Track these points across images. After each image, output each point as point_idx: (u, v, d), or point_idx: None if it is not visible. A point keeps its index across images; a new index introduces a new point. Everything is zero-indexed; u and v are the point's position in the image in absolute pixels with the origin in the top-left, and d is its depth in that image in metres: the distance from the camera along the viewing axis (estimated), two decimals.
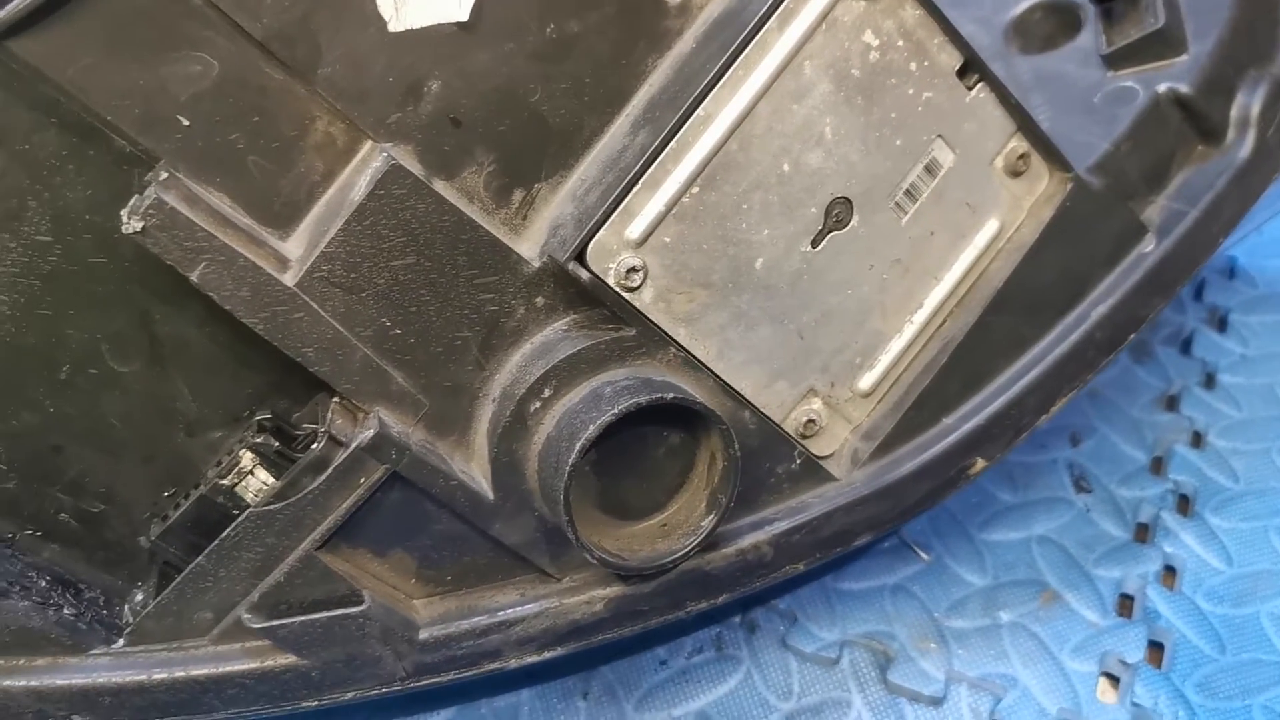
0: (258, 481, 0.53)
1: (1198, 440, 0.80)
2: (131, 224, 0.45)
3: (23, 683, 0.52)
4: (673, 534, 0.55)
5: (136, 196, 0.46)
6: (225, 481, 0.53)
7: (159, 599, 0.53)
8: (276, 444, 0.52)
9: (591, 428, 0.49)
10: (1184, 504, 0.76)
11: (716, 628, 0.70)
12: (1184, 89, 0.63)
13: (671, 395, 0.51)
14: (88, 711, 0.53)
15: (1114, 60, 0.66)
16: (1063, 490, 0.77)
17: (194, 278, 0.47)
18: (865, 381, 0.60)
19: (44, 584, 0.53)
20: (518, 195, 0.53)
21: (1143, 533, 0.75)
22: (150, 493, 0.56)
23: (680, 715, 0.66)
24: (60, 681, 0.52)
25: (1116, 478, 0.77)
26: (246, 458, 0.53)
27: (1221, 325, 0.89)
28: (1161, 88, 0.63)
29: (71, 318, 0.50)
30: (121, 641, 0.53)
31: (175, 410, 0.54)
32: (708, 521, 0.54)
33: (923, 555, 0.72)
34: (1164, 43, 0.64)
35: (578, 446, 0.49)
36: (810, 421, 0.59)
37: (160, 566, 0.56)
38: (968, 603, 0.70)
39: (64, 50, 0.45)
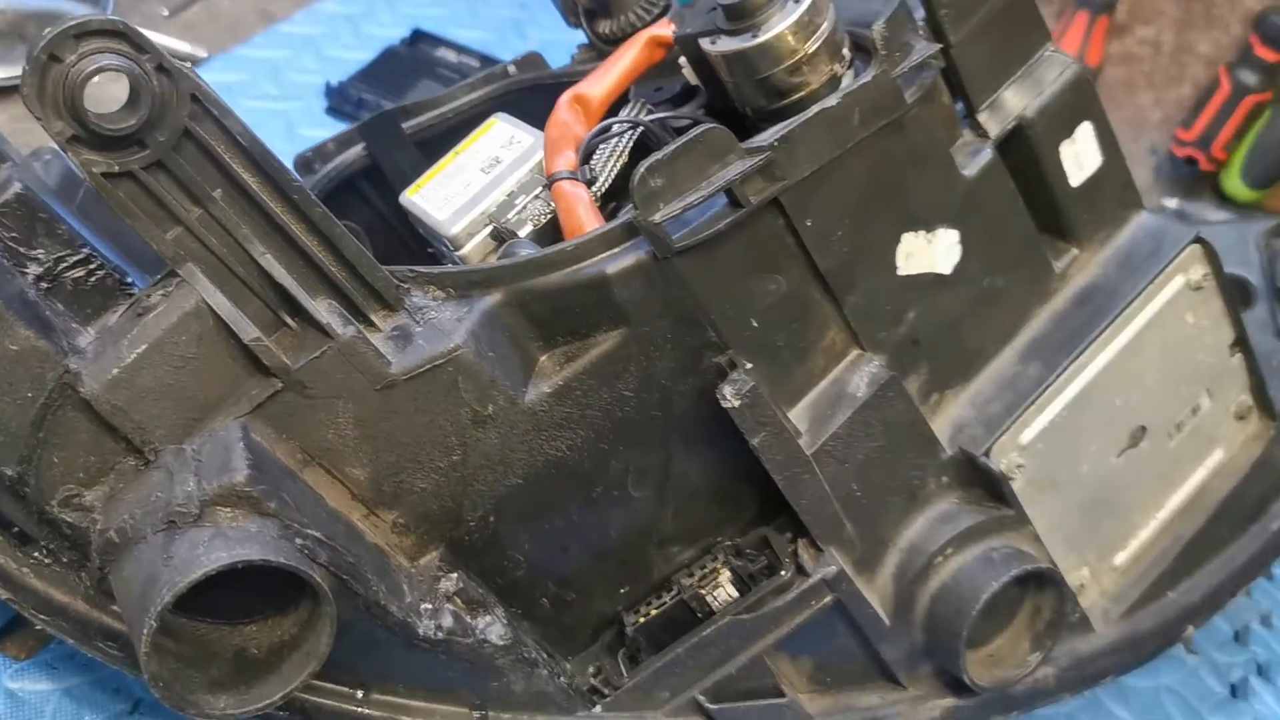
0: (725, 593, 0.68)
1: (1266, 621, 1.02)
2: (732, 401, 0.61)
3: None
4: (1001, 664, 0.72)
5: (734, 381, 0.61)
6: (702, 590, 0.67)
7: (638, 679, 0.67)
8: (755, 566, 0.67)
9: (995, 584, 0.67)
10: (1262, 671, 0.97)
11: None
12: None
13: (1045, 566, 0.69)
14: None
15: None
16: (1177, 650, 0.96)
17: (754, 442, 0.62)
18: (1119, 559, 0.79)
19: (545, 656, 0.66)
20: (934, 398, 0.70)
21: (1235, 691, 0.96)
22: (611, 588, 0.70)
23: None
24: None
25: (1213, 644, 0.98)
26: (724, 575, 0.68)
27: None
28: None
29: (619, 452, 0.65)
30: (599, 708, 0.67)
31: (656, 528, 0.68)
32: (1034, 658, 0.72)
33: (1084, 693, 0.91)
34: None
35: (983, 598, 0.66)
36: (1081, 585, 0.77)
37: (607, 646, 0.70)
38: None
39: (703, 268, 0.60)
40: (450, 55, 1.37)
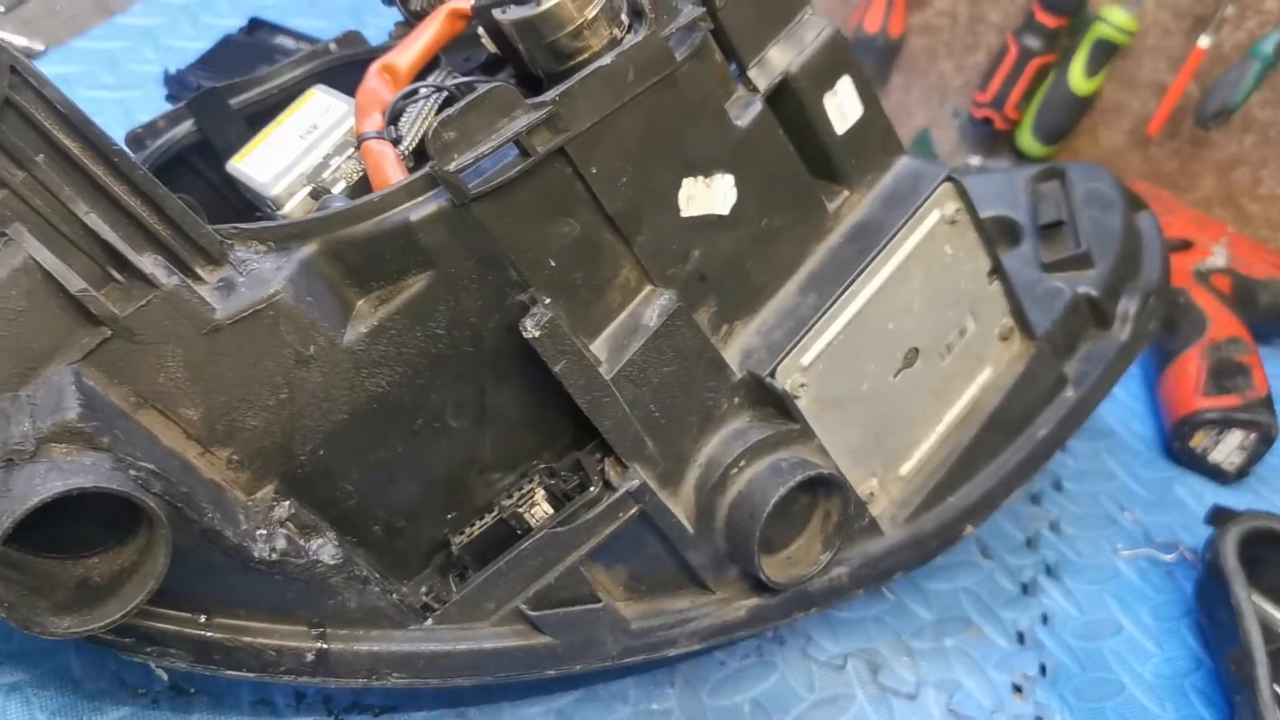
0: (541, 511, 0.75)
1: (1055, 527, 1.13)
2: (532, 332, 0.67)
3: (366, 647, 0.71)
4: (798, 564, 0.81)
5: (534, 314, 0.68)
6: (520, 510, 0.74)
7: (464, 592, 0.73)
8: (568, 485, 0.74)
9: (782, 489, 0.75)
10: (1050, 571, 1.09)
11: (756, 640, 0.95)
12: (1094, 293, 0.96)
13: (827, 472, 0.77)
14: (405, 671, 0.72)
15: (1049, 267, 0.99)
16: (975, 557, 1.07)
17: (556, 369, 0.69)
18: (904, 469, 0.88)
19: (377, 576, 0.72)
20: (724, 329, 0.78)
21: (1026, 589, 1.07)
22: (439, 514, 0.76)
23: (740, 701, 0.90)
24: (392, 648, 0.72)
25: (1006, 550, 1.09)
26: (540, 494, 0.74)
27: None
28: (1080, 289, 0.96)
29: (436, 386, 0.71)
30: (430, 621, 0.73)
31: (477, 457, 0.75)
32: (825, 557, 0.81)
33: (888, 595, 1.01)
34: (1082, 261, 0.98)
35: (772, 501, 0.75)
36: (871, 494, 0.87)
37: (439, 568, 0.77)
38: (923, 631, 0.99)
39: (499, 212, 0.67)
40: (289, 43, 1.40)
